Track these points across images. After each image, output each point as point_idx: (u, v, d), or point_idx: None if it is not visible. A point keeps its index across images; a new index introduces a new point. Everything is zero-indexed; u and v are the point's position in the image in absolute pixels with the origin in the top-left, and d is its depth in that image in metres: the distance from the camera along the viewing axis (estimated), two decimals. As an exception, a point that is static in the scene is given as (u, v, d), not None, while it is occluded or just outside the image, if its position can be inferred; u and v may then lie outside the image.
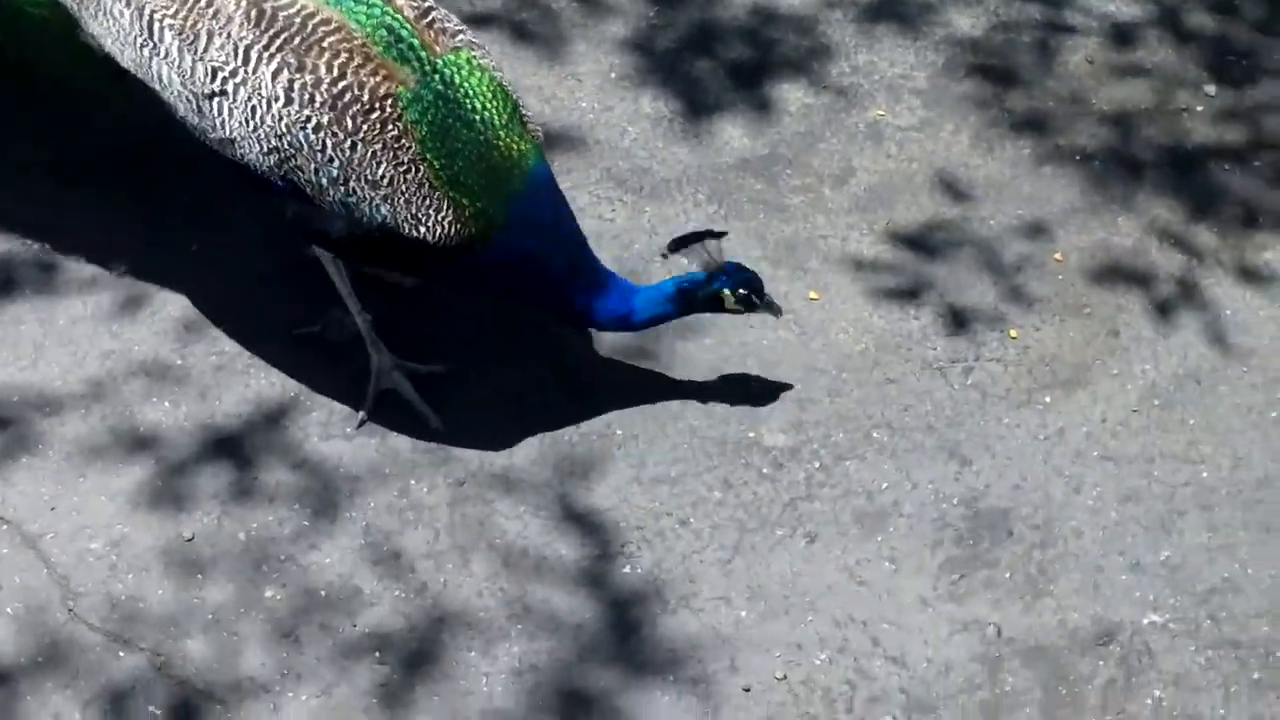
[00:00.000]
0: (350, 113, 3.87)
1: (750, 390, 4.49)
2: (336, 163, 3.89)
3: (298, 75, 3.88)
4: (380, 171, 3.89)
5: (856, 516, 4.26)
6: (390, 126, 3.88)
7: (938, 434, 4.43)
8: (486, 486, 4.25)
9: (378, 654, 3.95)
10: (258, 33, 3.91)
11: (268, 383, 4.40)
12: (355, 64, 3.89)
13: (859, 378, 4.54)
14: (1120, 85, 5.32)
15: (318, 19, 3.93)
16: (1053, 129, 5.18)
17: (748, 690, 3.94)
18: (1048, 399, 4.52)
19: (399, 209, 3.91)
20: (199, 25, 3.94)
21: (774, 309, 4.33)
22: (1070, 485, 4.34)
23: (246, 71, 3.90)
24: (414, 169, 3.90)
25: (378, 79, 3.89)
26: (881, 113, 5.17)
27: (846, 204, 4.95)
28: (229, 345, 4.46)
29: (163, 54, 3.98)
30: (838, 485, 4.32)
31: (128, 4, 4.01)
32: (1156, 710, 3.94)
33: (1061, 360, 4.61)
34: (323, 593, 4.04)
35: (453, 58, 3.98)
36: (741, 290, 4.25)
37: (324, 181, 3.91)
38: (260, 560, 4.08)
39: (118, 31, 4.04)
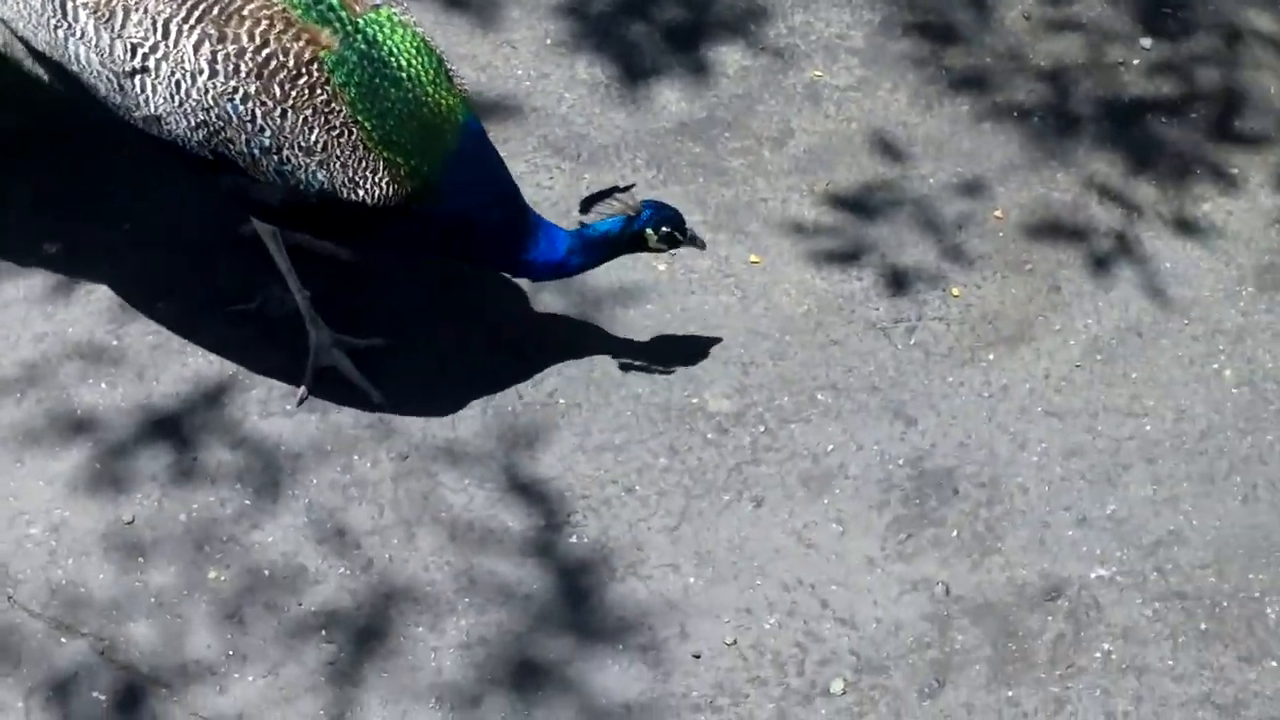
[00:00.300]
0: (277, 80, 3.81)
1: (693, 355, 4.47)
2: (268, 132, 3.83)
3: (220, 46, 3.80)
4: (313, 137, 3.83)
5: (803, 479, 4.25)
6: (319, 91, 3.82)
7: (882, 394, 4.43)
8: (430, 459, 4.21)
9: (324, 632, 3.91)
10: (175, 5, 3.83)
11: (205, 361, 4.35)
12: (277, 30, 3.82)
13: (802, 340, 4.53)
14: (1057, 40, 5.31)
15: None
16: (991, 86, 5.16)
17: (698, 656, 3.93)
18: (991, 356, 4.52)
19: (335, 174, 3.86)
20: (114, 2, 3.85)
21: (697, 242, 4.30)
22: (1015, 442, 4.35)
23: (167, 46, 3.82)
24: (346, 132, 3.85)
25: (301, 43, 3.82)
26: (819, 73, 5.14)
27: (786, 166, 4.93)
28: (165, 324, 4.40)
29: (79, 34, 3.88)
30: (783, 448, 4.31)
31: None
32: (1105, 663, 3.95)
33: (1004, 317, 4.60)
34: (267, 572, 4.00)
35: (374, 16, 3.92)
36: (664, 228, 4.22)
37: (256, 152, 3.85)
38: (202, 541, 4.03)
39: (29, 14, 3.94)
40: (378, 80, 3.87)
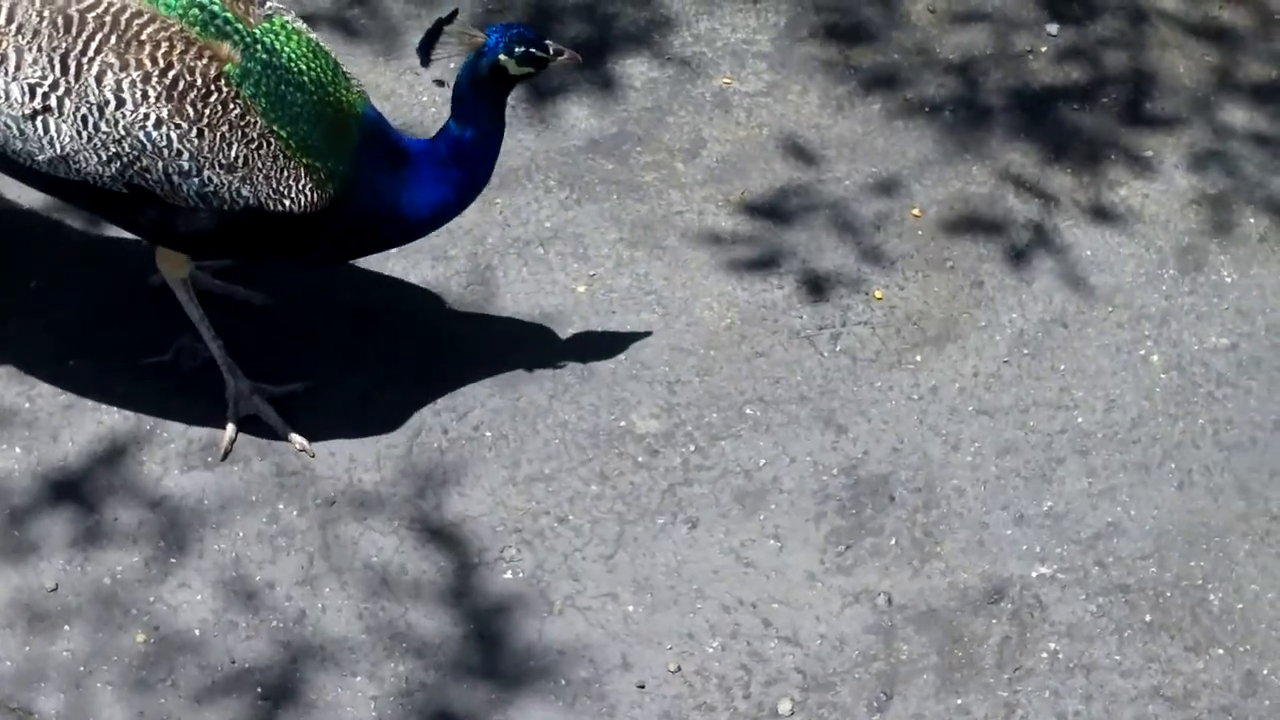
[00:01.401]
0: (188, 100, 3.72)
1: (618, 377, 4.40)
2: (186, 154, 3.74)
3: (124, 74, 3.70)
4: (233, 153, 3.76)
5: (737, 496, 4.20)
6: (231, 105, 3.75)
7: (811, 404, 4.38)
8: (358, 504, 4.13)
9: (259, 689, 3.82)
10: (70, 39, 3.72)
11: (121, 418, 4.24)
12: (179, 50, 3.73)
13: (727, 354, 4.47)
14: (963, 32, 5.28)
15: (128, 13, 3.75)
16: (900, 82, 5.13)
17: (642, 687, 3.87)
18: (918, 358, 4.48)
19: (259, 187, 3.80)
20: (3, 45, 3.74)
21: (567, 54, 3.95)
22: (948, 443, 4.31)
23: (69, 81, 3.72)
24: (265, 143, 3.78)
25: (205, 60, 3.74)
26: (728, 80, 5.09)
27: (700, 177, 4.87)
28: (77, 383, 4.29)
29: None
30: (715, 466, 4.25)
31: None
32: (1053, 663, 3.93)
33: (928, 317, 4.57)
34: (196, 631, 3.90)
35: (268, 25, 3.85)
36: (518, 49, 3.85)
37: (175, 178, 3.76)
38: (128, 604, 3.93)
39: None
40: (284, 87, 3.81)
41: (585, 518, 4.14)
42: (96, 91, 3.72)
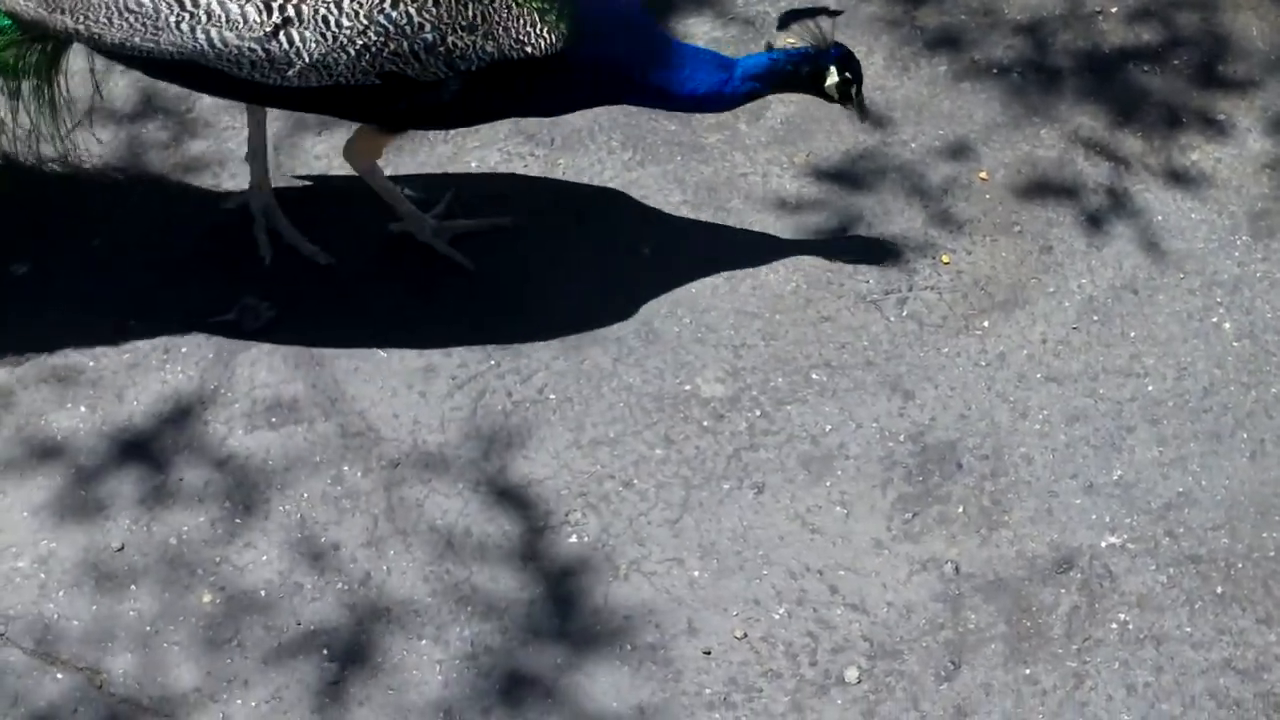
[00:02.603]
0: None
1: (682, 341, 4.37)
2: (427, 26, 3.78)
3: None
4: (471, 13, 3.82)
5: (803, 462, 4.17)
6: None
7: (877, 369, 4.34)
8: (422, 466, 4.11)
9: (325, 651, 3.82)
10: None
11: (185, 378, 4.24)
12: None
13: (793, 318, 4.43)
14: (1032, -8, 5.21)
15: None
16: (967, 43, 5.06)
17: (708, 653, 3.85)
18: (986, 323, 4.43)
19: (501, 40, 3.85)
20: None
21: (864, 110, 4.27)
22: (1016, 410, 4.26)
23: None
24: None
25: None
26: (792, 40, 5.02)
27: (764, 139, 4.82)
28: (141, 342, 4.29)
29: (204, 18, 3.74)
30: (781, 431, 4.22)
31: None
32: (1123, 634, 3.88)
33: (996, 282, 4.51)
34: (262, 593, 3.90)
35: None
36: (846, 73, 4.16)
37: (423, 53, 3.80)
38: (195, 564, 3.94)
39: (143, 25, 3.77)
40: None
41: (650, 482, 4.12)
42: None
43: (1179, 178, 4.74)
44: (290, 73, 3.80)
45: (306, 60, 3.78)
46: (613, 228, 4.60)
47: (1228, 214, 4.65)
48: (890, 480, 4.13)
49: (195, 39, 3.76)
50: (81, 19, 3.82)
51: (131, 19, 3.79)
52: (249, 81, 3.83)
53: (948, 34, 5.09)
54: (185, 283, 4.39)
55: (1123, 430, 4.22)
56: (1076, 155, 4.79)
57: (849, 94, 4.21)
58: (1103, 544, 4.03)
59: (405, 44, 3.78)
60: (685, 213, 4.60)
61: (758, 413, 4.25)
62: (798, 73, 4.17)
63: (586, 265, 4.51)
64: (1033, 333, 4.41)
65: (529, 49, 3.88)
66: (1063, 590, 3.96)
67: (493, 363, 4.31)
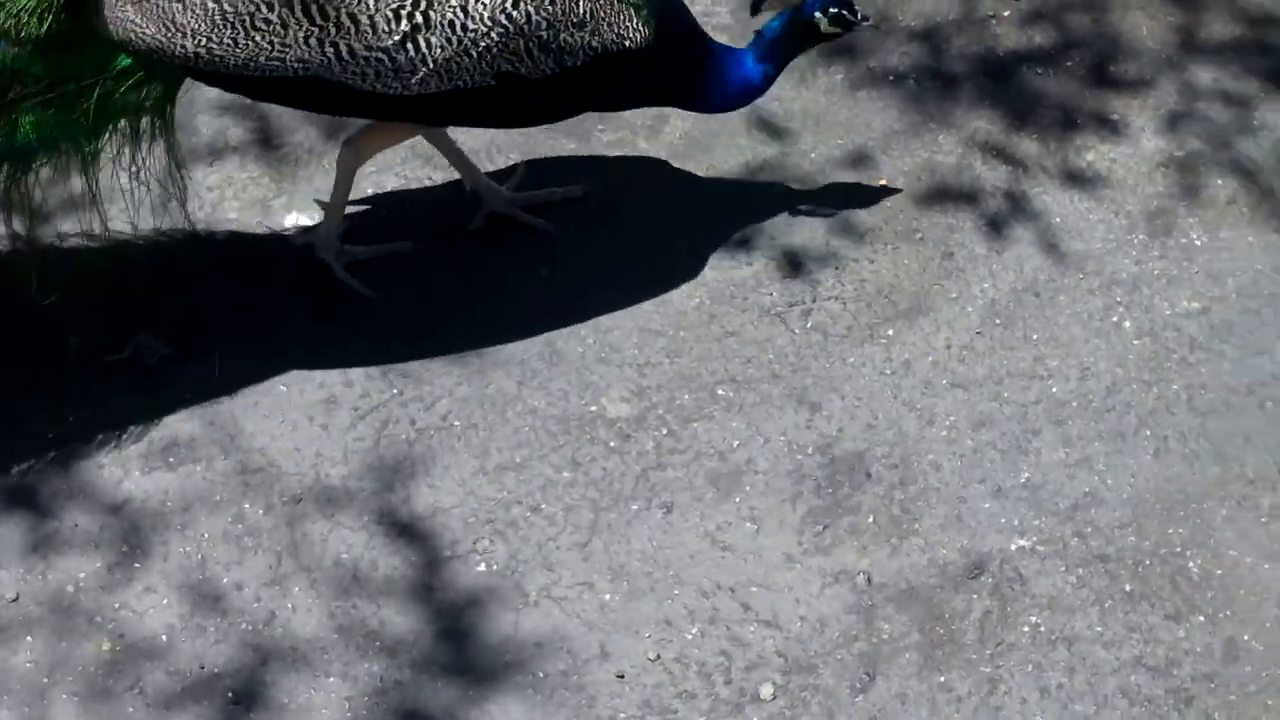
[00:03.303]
0: None
1: (586, 361, 4.33)
2: (544, 23, 3.86)
3: None
4: (581, 9, 3.90)
5: (711, 479, 4.14)
6: None
7: (784, 382, 4.32)
8: (325, 501, 4.05)
9: (229, 694, 3.75)
10: None
11: (78, 419, 4.14)
12: None
13: (697, 334, 4.40)
14: (925, -1, 5.21)
15: None
16: (863, 52, 5.06)
17: (621, 677, 3.81)
18: (890, 332, 4.42)
19: (604, 35, 3.94)
20: None
21: (868, 20, 4.33)
22: (923, 418, 4.25)
23: None
24: None
25: None
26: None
27: (664, 153, 4.79)
28: (33, 382, 4.19)
29: (333, 30, 3.76)
30: (688, 449, 4.19)
31: (270, 7, 3.74)
32: (1035, 637, 3.88)
33: (899, 290, 4.51)
34: (163, 637, 3.82)
35: None
36: (832, 9, 4.22)
37: (537, 51, 3.88)
38: (92, 612, 3.85)
39: (269, 44, 3.76)
40: None
41: (558, 506, 4.07)
42: None
43: (1076, 179, 4.76)
44: (414, 80, 3.85)
45: (431, 66, 3.83)
46: (513, 249, 4.55)
47: (1124, 213, 4.67)
48: (799, 493, 4.11)
49: (324, 52, 3.79)
50: (204, 42, 3.79)
51: (258, 37, 3.78)
52: (368, 93, 3.88)
53: (843, 43, 5.06)
54: (78, 322, 4.28)
55: (1028, 433, 4.23)
56: (974, 160, 4.80)
57: (850, 21, 4.27)
58: (1012, 547, 4.02)
59: (523, 42, 3.86)
60: (584, 231, 4.56)
61: (664, 431, 4.21)
62: (793, 35, 4.27)
63: (487, 288, 4.47)
64: (937, 339, 4.41)
65: (627, 43, 3.97)
66: (974, 596, 3.95)
67: (395, 391, 4.26)
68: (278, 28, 3.77)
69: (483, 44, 3.83)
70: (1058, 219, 4.67)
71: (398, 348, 4.34)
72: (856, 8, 4.26)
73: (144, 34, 3.79)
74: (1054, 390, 4.31)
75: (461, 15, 3.80)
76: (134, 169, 4.06)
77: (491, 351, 4.35)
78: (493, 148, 4.77)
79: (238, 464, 4.09)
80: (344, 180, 4.32)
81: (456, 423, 4.21)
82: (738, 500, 4.10)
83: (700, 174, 4.74)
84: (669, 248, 4.56)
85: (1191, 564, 4.01)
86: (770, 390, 4.30)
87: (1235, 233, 4.64)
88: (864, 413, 4.26)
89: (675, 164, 4.75)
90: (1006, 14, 5.16)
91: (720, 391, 4.29)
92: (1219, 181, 4.76)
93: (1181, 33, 5.13)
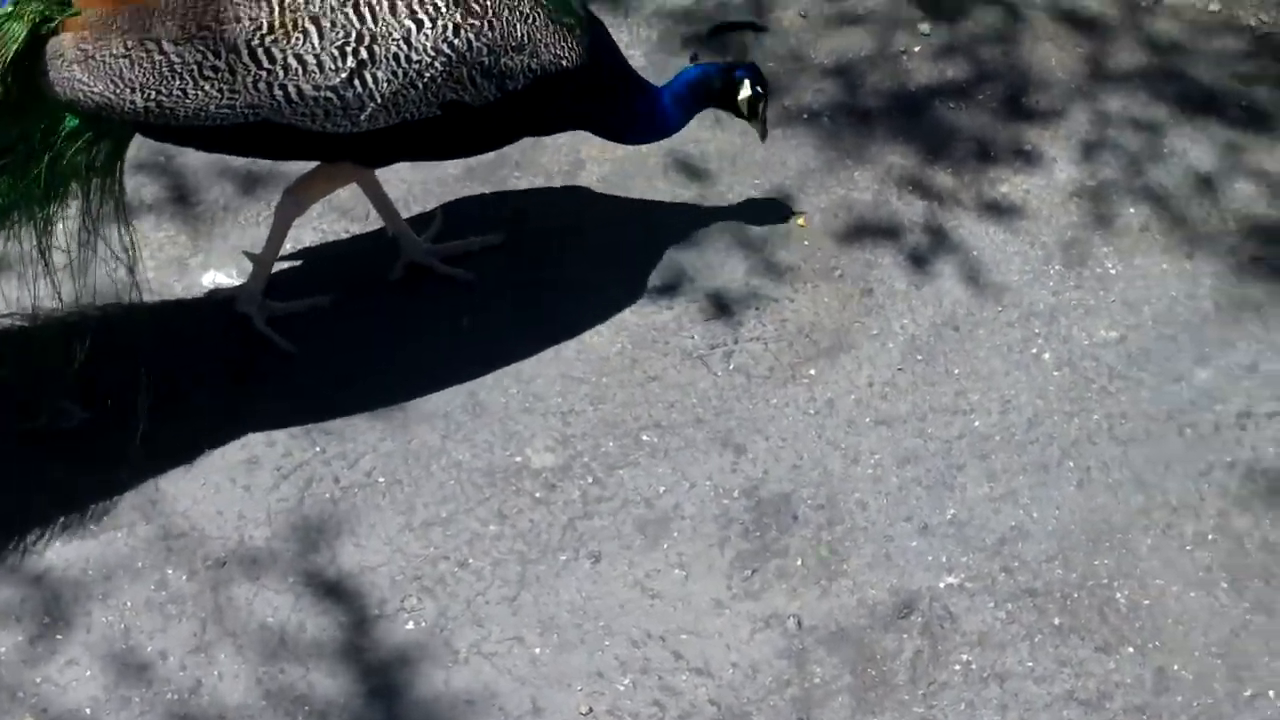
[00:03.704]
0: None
1: (510, 411, 4.31)
2: (485, 49, 3.88)
3: None
4: (519, 32, 3.92)
5: (638, 526, 4.13)
6: None
7: (708, 426, 4.31)
8: (249, 564, 4.00)
9: (158, 766, 3.70)
10: None
11: (-4, 490, 4.09)
12: None
13: (620, 380, 4.40)
14: (837, 36, 5.25)
15: None
16: (778, 90, 5.07)
17: (554, 732, 3.79)
18: (813, 371, 4.43)
19: (543, 56, 3.97)
20: (298, 21, 3.74)
21: (762, 128, 4.49)
22: (848, 457, 4.27)
23: (372, 27, 3.78)
24: (535, 14, 3.96)
25: None
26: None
27: (582, 198, 4.80)
28: (-54, 456, 4.13)
29: (281, 73, 3.74)
30: (615, 497, 4.18)
31: (217, 55, 3.72)
32: (966, 674, 3.89)
33: (820, 328, 4.52)
34: (87, 710, 3.76)
35: None
36: (757, 88, 4.40)
37: (479, 77, 3.90)
38: (14, 687, 3.78)
39: (219, 91, 3.74)
40: None
41: (486, 560, 4.05)
42: (398, 24, 3.78)
43: (992, 211, 4.80)
44: (363, 116, 3.84)
45: (379, 101, 3.83)
46: (433, 299, 4.53)
47: (1040, 244, 4.71)
48: (727, 538, 4.11)
49: (273, 95, 3.77)
50: (154, 95, 3.76)
51: (207, 86, 3.76)
52: (319, 134, 3.86)
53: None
54: (-10, 391, 4.23)
55: (953, 469, 4.24)
56: (891, 195, 4.83)
57: (758, 109, 4.41)
58: (941, 585, 4.04)
59: (466, 70, 3.88)
60: (504, 278, 4.55)
61: (590, 480, 4.20)
62: (713, 87, 4.37)
63: (408, 339, 4.44)
64: (859, 377, 4.42)
65: (564, 62, 4.00)
66: (905, 635, 3.95)
67: (318, 449, 4.22)
68: (226, 74, 3.75)
69: (428, 74, 3.84)
70: (975, 252, 4.70)
71: (319, 404, 4.30)
72: (767, 107, 4.46)
73: (92, 92, 3.76)
74: (977, 424, 4.33)
75: (405, 47, 3.80)
76: (84, 233, 4.02)
77: (414, 404, 4.32)
78: (409, 197, 4.75)
79: (160, 529, 4.04)
80: (280, 231, 4.30)
81: (381, 479, 4.18)
82: (666, 547, 4.09)
83: (619, 218, 4.74)
84: (590, 293, 4.56)
85: (1119, 595, 4.03)
86: (694, 434, 4.29)
87: (1149, 260, 4.69)
88: (789, 454, 4.26)
89: (594, 209, 4.75)
90: (918, 49, 5.20)
91: (645, 437, 4.28)
92: (1132, 209, 4.81)
93: (1091, 63, 5.19)
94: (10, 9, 3.74)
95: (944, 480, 4.22)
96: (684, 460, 4.24)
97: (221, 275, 4.53)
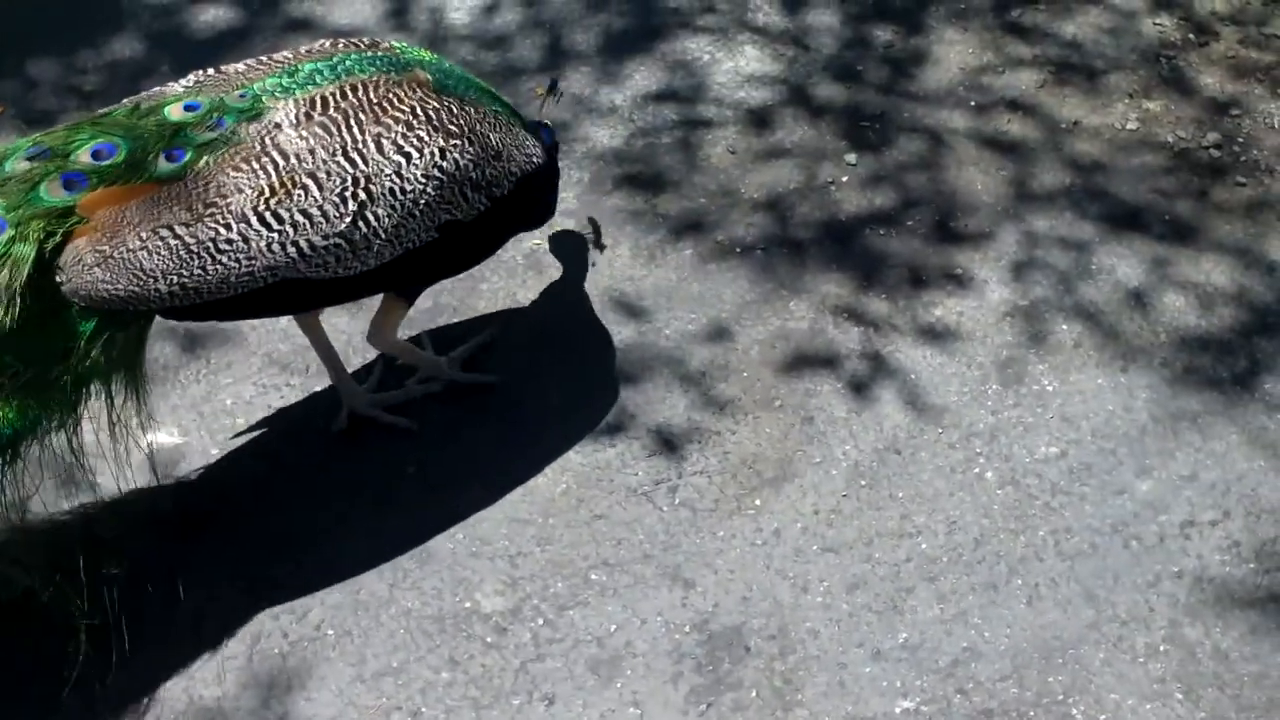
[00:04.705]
0: (445, 122, 4.01)
1: (457, 556, 4.30)
2: (470, 164, 4.03)
3: (394, 132, 3.94)
4: (494, 141, 4.10)
5: (591, 666, 4.10)
6: (466, 107, 4.09)
7: (656, 561, 4.31)
8: (198, 724, 3.95)
9: None
10: (340, 138, 3.90)
11: (-62, 662, 4.03)
12: (403, 92, 4.02)
13: (566, 519, 4.40)
14: (765, 170, 5.34)
15: (350, 92, 3.98)
16: (710, 225, 5.15)
17: None
18: (758, 501, 4.45)
19: (517, 158, 4.17)
20: (296, 179, 3.83)
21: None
22: (797, 585, 4.27)
23: (364, 169, 3.90)
24: (497, 122, 4.15)
25: (421, 89, 4.06)
26: (538, 242, 5.07)
27: (521, 340, 4.83)
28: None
29: (290, 230, 3.83)
30: (566, 638, 4.16)
31: (228, 228, 3.80)
32: (926, 800, 3.86)
33: (763, 459, 4.55)
34: None
35: (402, 48, 4.23)
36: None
37: (469, 192, 4.06)
38: None
39: (237, 261, 3.81)
40: (465, 79, 4.25)
41: (439, 708, 4.01)
42: (388, 161, 3.91)
43: (927, 334, 4.86)
44: (370, 254, 3.94)
45: (383, 236, 3.93)
46: (377, 448, 4.54)
47: (976, 365, 4.77)
48: (680, 673, 4.09)
49: (287, 253, 3.84)
50: (176, 279, 3.81)
51: (224, 258, 3.82)
52: (331, 280, 3.95)
53: (690, 219, 5.18)
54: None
55: (902, 592, 4.25)
56: (826, 324, 4.89)
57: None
58: (896, 710, 4.02)
59: (456, 188, 4.02)
60: (448, 425, 4.56)
61: (540, 621, 4.18)
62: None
63: (353, 490, 4.43)
64: (804, 505, 4.44)
65: (535, 159, 4.23)
66: (863, 764, 3.93)
67: (265, 604, 4.19)
68: (240, 244, 3.82)
69: (423, 201, 3.96)
70: (913, 375, 4.75)
71: (265, 559, 4.28)
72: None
73: (116, 289, 3.80)
74: (923, 547, 4.35)
75: (399, 180, 3.91)
76: (112, 424, 4.04)
77: (361, 554, 4.30)
78: (349, 349, 4.77)
79: (116, 691, 3.98)
80: (398, 349, 4.56)
81: (330, 631, 4.15)
82: (619, 685, 4.06)
83: (557, 358, 4.77)
84: (532, 434, 4.57)
85: (1075, 711, 4.03)
86: (643, 571, 4.29)
87: (1085, 376, 4.75)
88: (738, 585, 4.26)
89: (532, 350, 4.78)
90: (845, 179, 5.30)
91: (594, 576, 4.28)
92: (1064, 326, 4.88)
93: (1015, 185, 5.29)
94: (12, 232, 3.76)
95: (894, 604, 4.23)
96: (634, 597, 4.23)
97: (162, 434, 4.52)
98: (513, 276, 4.98)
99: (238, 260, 3.82)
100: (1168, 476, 4.50)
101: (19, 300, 3.73)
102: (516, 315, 4.86)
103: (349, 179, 3.88)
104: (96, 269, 3.78)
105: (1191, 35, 5.88)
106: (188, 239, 3.80)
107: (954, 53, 5.79)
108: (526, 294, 4.92)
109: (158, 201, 3.81)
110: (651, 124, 5.49)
